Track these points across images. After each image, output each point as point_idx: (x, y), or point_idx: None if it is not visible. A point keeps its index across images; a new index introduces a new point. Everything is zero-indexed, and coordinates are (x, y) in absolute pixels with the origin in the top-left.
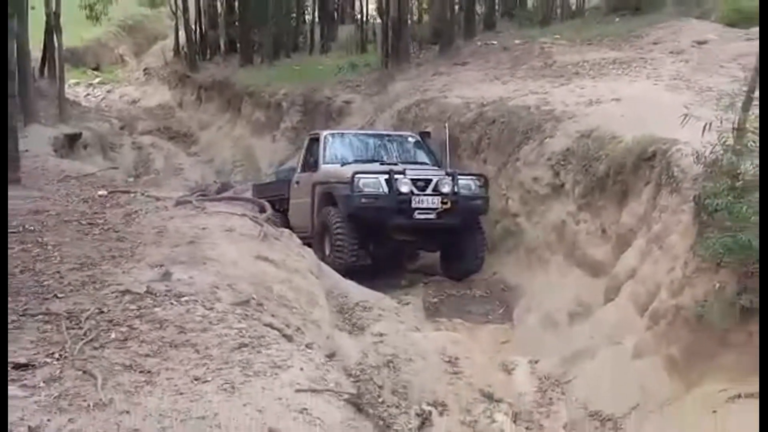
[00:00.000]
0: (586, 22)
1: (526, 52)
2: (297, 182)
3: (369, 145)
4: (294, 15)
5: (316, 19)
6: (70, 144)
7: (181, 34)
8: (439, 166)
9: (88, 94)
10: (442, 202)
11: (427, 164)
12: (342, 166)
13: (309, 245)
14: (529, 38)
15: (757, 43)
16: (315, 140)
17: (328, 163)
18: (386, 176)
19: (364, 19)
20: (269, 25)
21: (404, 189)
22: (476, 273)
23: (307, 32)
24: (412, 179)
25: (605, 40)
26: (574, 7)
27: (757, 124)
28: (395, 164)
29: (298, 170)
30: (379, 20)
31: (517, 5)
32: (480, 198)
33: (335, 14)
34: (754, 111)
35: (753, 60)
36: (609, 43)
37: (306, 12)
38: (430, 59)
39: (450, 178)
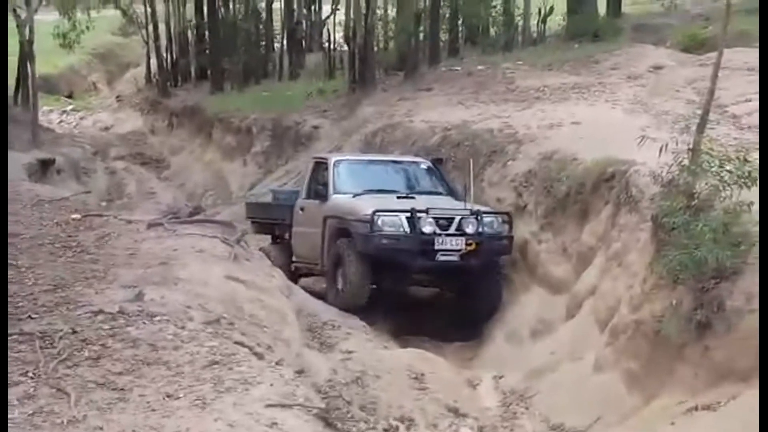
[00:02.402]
0: (547, 48)
1: (489, 78)
2: (302, 209)
3: (380, 173)
4: (263, 43)
5: (285, 47)
6: (44, 169)
7: (153, 61)
8: (454, 195)
9: (61, 121)
10: (467, 244)
11: (441, 193)
12: (354, 197)
13: (313, 275)
14: (492, 64)
15: (710, 69)
16: (321, 164)
17: (338, 193)
18: (408, 214)
19: (332, 46)
20: (239, 52)
21: (427, 229)
22: (494, 315)
23: (276, 59)
24: (435, 218)
25: (565, 65)
26: (535, 34)
27: (711, 146)
28: (411, 197)
29: (303, 195)
30: (346, 47)
31: (480, 32)
32: (504, 238)
33: (303, 42)
34: (708, 133)
35: (707, 84)
36: (569, 69)
37: (275, 40)
38: (396, 85)
39: (474, 217)
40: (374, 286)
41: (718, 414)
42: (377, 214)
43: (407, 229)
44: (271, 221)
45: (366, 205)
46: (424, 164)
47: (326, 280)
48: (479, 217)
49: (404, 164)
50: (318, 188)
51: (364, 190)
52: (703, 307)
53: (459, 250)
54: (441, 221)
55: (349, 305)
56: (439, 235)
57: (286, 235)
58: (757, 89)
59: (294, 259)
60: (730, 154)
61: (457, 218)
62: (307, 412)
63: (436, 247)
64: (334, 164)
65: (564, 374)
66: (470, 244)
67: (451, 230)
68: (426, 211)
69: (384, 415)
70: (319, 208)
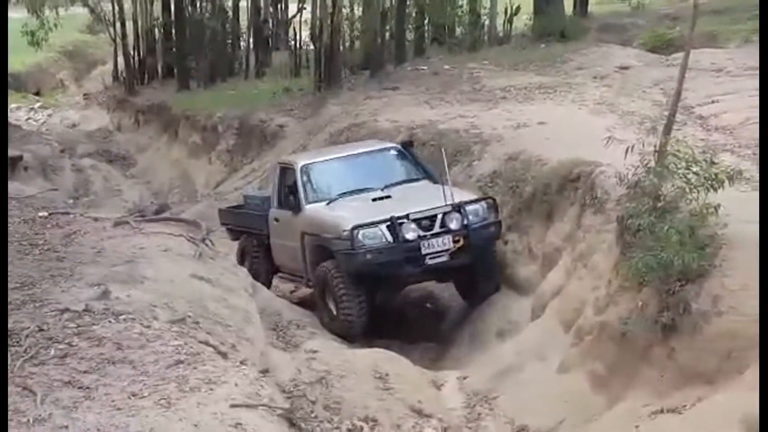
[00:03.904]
0: (513, 48)
1: (456, 77)
2: (276, 219)
3: (350, 170)
4: (230, 41)
5: (251, 46)
6: (12, 166)
7: (120, 59)
8: (430, 177)
9: (29, 118)
10: (454, 241)
11: (417, 179)
12: (328, 204)
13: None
14: (458, 63)
15: (677, 69)
16: (288, 170)
17: (311, 203)
18: (388, 223)
19: (298, 45)
20: (205, 51)
21: (410, 236)
22: (495, 294)
23: (243, 58)
24: (416, 220)
25: (531, 65)
26: (501, 34)
27: (678, 147)
28: (387, 196)
29: (274, 204)
30: (312, 46)
31: (446, 32)
32: (492, 224)
33: (270, 41)
34: (675, 134)
35: (674, 85)
36: (535, 69)
37: (241, 38)
38: (362, 84)
39: (457, 210)
40: (368, 304)
41: (684, 417)
42: (356, 230)
43: (390, 239)
44: (248, 231)
45: (343, 219)
46: (394, 149)
47: (317, 300)
48: (462, 210)
49: (374, 154)
50: (289, 198)
51: (337, 194)
52: (669, 310)
53: (447, 250)
54: (423, 222)
55: (349, 332)
56: (424, 237)
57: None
58: (724, 91)
59: (277, 267)
60: (696, 156)
61: (440, 215)
62: (272, 412)
63: (423, 252)
64: (301, 170)
65: (529, 375)
66: (457, 241)
67: (436, 228)
68: (406, 217)
69: (348, 415)
70: (293, 219)
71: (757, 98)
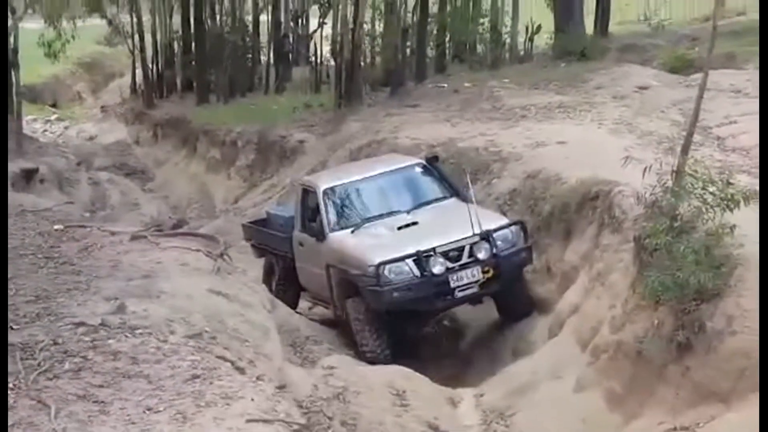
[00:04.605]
0: (534, 67)
1: (476, 95)
2: (301, 244)
3: (375, 192)
4: (249, 56)
5: (271, 60)
6: (27, 179)
7: (138, 72)
8: (457, 194)
9: (45, 130)
10: (483, 272)
11: (444, 197)
12: (352, 233)
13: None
14: (479, 81)
15: (695, 90)
16: (310, 193)
17: (334, 230)
18: (415, 258)
19: (319, 60)
20: (225, 65)
21: (438, 270)
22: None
23: (263, 72)
24: (443, 253)
25: (551, 84)
26: (522, 52)
27: (696, 168)
28: (414, 222)
29: (298, 226)
30: (332, 62)
31: (467, 49)
32: (522, 250)
33: (290, 56)
34: (693, 154)
35: (692, 105)
36: (555, 88)
37: (261, 53)
38: (382, 101)
39: (485, 239)
40: (400, 336)
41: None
42: (382, 266)
43: (417, 273)
44: (273, 251)
45: (368, 253)
46: (419, 166)
47: (355, 336)
48: (491, 238)
49: (398, 172)
50: (312, 224)
51: (361, 219)
52: (684, 329)
53: (477, 281)
54: (451, 254)
55: (381, 360)
56: (452, 269)
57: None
58: (742, 112)
59: (304, 287)
60: (713, 177)
61: (467, 246)
62: (288, 428)
63: (452, 285)
64: (324, 195)
65: (545, 393)
66: (487, 271)
67: (464, 259)
68: (433, 250)
69: (365, 431)
70: (317, 247)
71: None
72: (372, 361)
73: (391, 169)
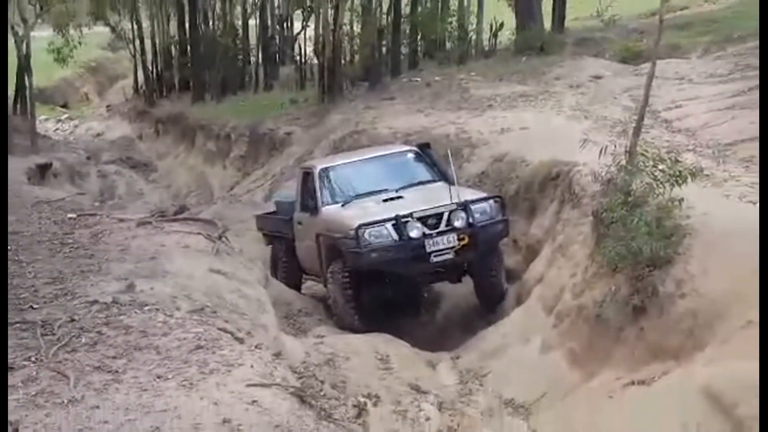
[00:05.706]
0: (498, 61)
1: (446, 88)
2: (300, 223)
3: (367, 173)
4: (240, 57)
5: (260, 61)
6: (42, 173)
7: (140, 74)
8: (446, 178)
9: (56, 129)
10: (459, 239)
11: (433, 180)
12: (343, 206)
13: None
14: (448, 75)
15: (644, 78)
16: (308, 175)
17: (327, 204)
18: (394, 222)
19: (303, 60)
20: (218, 65)
21: (415, 234)
22: (503, 301)
23: (252, 72)
24: (421, 218)
25: (514, 76)
26: (487, 48)
27: (646, 148)
28: (399, 196)
29: (298, 208)
30: (315, 61)
31: (437, 46)
32: (499, 222)
33: (277, 56)
34: (643, 136)
35: (642, 92)
36: (518, 79)
37: (251, 54)
38: (362, 95)
39: (462, 209)
40: (381, 300)
41: (652, 388)
42: (362, 228)
43: (395, 237)
44: (277, 235)
45: (351, 219)
46: (411, 153)
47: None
48: (468, 208)
49: (391, 157)
50: (308, 201)
51: (352, 196)
52: (639, 293)
53: (452, 247)
54: (429, 221)
55: (342, 327)
56: (429, 235)
57: (288, 251)
58: (686, 97)
59: (305, 269)
60: (662, 155)
61: (446, 214)
62: (284, 391)
63: (428, 250)
64: (319, 174)
65: (514, 354)
66: (462, 239)
67: (441, 227)
68: (411, 215)
69: (353, 392)
70: (312, 221)
71: (716, 103)
72: (341, 327)
73: (384, 153)
